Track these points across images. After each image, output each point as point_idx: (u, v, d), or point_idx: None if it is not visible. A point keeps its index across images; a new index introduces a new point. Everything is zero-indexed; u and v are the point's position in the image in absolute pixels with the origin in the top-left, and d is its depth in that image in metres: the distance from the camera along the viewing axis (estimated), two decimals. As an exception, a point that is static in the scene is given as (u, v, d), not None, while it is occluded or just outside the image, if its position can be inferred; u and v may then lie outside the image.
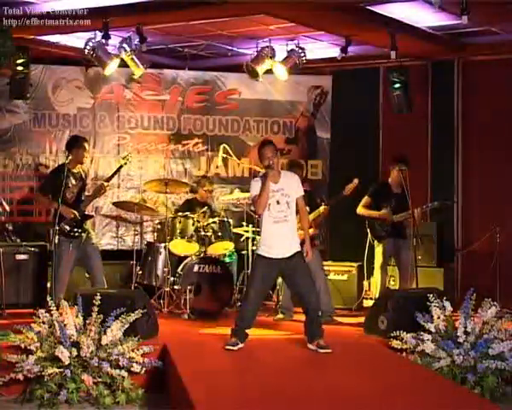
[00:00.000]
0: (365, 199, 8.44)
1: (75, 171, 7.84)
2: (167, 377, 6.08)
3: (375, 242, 8.50)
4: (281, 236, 6.57)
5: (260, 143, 6.84)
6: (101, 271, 7.88)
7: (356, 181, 7.96)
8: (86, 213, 7.96)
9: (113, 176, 8.25)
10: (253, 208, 8.71)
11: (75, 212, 7.72)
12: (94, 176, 9.59)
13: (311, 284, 6.71)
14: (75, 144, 7.85)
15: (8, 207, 9.30)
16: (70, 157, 7.64)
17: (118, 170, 8.30)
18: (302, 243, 6.75)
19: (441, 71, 9.87)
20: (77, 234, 7.76)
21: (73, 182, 7.80)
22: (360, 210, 8.48)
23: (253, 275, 6.78)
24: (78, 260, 7.89)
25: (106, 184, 8.06)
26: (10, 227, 9.20)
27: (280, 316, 8.29)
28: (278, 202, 6.56)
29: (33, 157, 9.62)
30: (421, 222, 8.75)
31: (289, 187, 6.61)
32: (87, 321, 6.10)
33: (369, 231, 8.56)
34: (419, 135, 9.93)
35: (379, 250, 8.46)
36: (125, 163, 8.30)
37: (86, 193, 8.05)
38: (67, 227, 7.68)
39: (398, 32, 8.29)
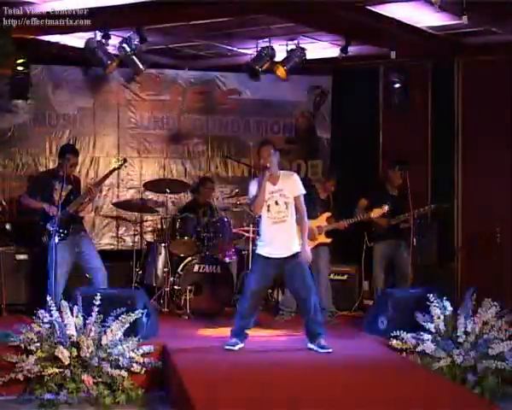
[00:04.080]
0: (362, 201, 8.43)
1: (62, 174, 7.62)
2: (167, 377, 6.08)
3: (372, 243, 8.51)
4: (279, 236, 6.58)
5: (259, 142, 6.86)
6: (99, 271, 7.75)
7: (386, 208, 7.99)
8: (79, 215, 7.82)
9: (103, 179, 8.07)
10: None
11: (54, 208, 7.50)
12: (94, 176, 9.59)
13: (310, 284, 6.69)
14: (65, 157, 7.62)
15: (4, 203, 9.26)
16: (67, 162, 7.54)
17: (110, 173, 8.07)
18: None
19: (441, 71, 9.86)
20: (62, 235, 7.62)
21: (60, 185, 7.52)
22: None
23: (252, 274, 6.81)
24: (75, 261, 7.78)
25: (93, 187, 7.86)
26: (10, 227, 9.17)
27: (280, 316, 8.29)
28: (277, 203, 6.57)
29: (33, 157, 9.57)
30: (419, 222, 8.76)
31: (288, 188, 6.62)
32: (87, 321, 6.10)
33: (365, 233, 8.56)
34: (419, 135, 9.92)
35: (376, 252, 8.47)
36: (119, 167, 8.13)
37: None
38: (51, 228, 7.50)
39: (398, 32, 8.29)
